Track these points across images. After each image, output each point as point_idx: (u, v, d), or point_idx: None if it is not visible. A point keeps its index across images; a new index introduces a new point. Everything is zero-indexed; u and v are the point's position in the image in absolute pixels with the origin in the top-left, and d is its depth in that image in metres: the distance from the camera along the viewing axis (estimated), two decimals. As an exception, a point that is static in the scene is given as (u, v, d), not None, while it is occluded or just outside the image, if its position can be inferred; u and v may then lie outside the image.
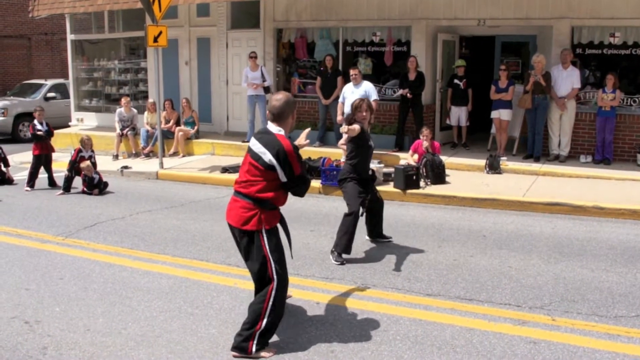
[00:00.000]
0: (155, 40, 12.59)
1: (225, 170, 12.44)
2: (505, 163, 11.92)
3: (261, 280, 4.81)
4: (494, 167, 11.63)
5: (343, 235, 7.01)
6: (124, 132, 15.01)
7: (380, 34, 14.31)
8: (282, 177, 4.78)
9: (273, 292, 4.72)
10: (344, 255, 7.05)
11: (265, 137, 4.82)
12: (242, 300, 5.87)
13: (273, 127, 4.87)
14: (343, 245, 7.00)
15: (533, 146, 12.41)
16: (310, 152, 12.50)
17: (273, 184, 4.80)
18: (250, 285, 6.20)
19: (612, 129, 11.93)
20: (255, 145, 4.81)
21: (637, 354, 4.71)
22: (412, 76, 13.02)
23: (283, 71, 15.80)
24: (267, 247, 4.77)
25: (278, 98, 4.91)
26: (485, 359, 4.65)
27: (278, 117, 4.89)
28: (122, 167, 13.39)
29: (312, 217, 9.20)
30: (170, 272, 6.78)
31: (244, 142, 14.36)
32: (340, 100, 12.21)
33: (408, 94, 12.94)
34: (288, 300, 5.50)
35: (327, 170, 11.01)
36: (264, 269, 4.76)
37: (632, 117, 12.22)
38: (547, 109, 12.28)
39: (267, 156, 4.71)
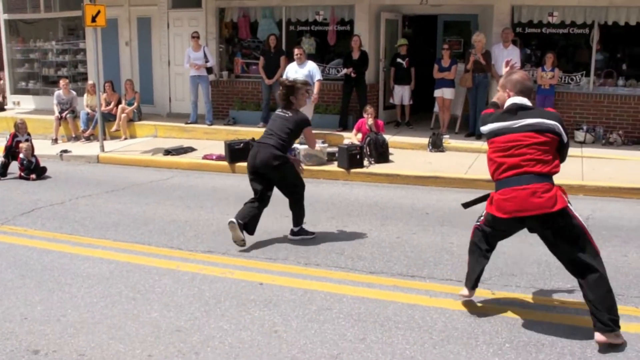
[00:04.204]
0: (94, 20, 12.26)
1: (168, 152, 12.24)
2: (448, 141, 12.07)
3: (586, 255, 4.51)
4: (436, 145, 11.77)
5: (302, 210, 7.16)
6: (63, 115, 14.61)
7: (324, 13, 14.25)
8: (565, 140, 4.63)
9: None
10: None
11: (534, 111, 4.66)
12: (184, 282, 5.81)
13: (523, 100, 4.68)
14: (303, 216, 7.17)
15: (475, 124, 12.58)
16: (254, 132, 12.41)
17: (556, 155, 4.64)
18: (192, 268, 6.21)
19: (551, 107, 12.14)
20: (531, 120, 4.57)
21: (572, 323, 4.86)
22: (355, 55, 13.03)
23: (226, 51, 15.62)
24: (578, 217, 4.62)
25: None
26: (427, 334, 4.72)
27: (526, 92, 4.72)
28: (61, 151, 13.05)
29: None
30: (111, 256, 6.65)
31: (187, 123, 14.18)
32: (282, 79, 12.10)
33: (352, 73, 12.95)
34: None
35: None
36: (587, 241, 4.54)
37: (570, 94, 12.52)
38: (487, 87, 12.47)
39: (555, 125, 4.55)
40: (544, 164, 4.52)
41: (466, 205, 5.24)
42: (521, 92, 4.71)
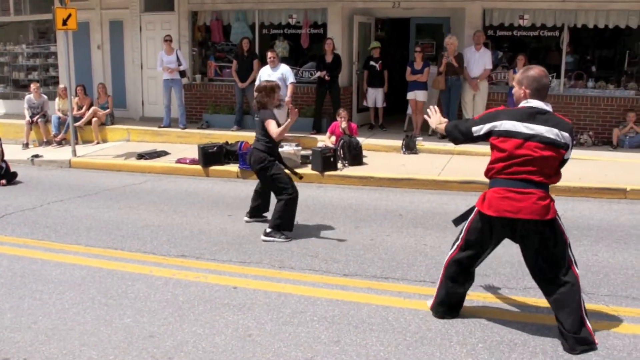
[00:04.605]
0: (65, 23, 12.11)
1: (141, 156, 12.14)
2: (422, 143, 12.13)
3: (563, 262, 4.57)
4: (410, 148, 11.83)
5: (289, 215, 7.24)
6: (34, 119, 14.43)
7: (297, 16, 14.27)
8: (568, 155, 4.56)
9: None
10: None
11: (551, 118, 4.49)
12: (157, 287, 5.77)
13: (541, 104, 4.51)
14: (290, 224, 7.28)
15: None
16: (228, 136, 12.39)
17: (558, 168, 4.60)
18: (165, 272, 6.16)
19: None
20: (547, 131, 4.42)
21: (544, 322, 4.91)
22: (328, 58, 13.05)
23: (199, 54, 15.56)
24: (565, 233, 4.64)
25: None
26: (401, 336, 4.74)
27: (543, 90, 4.55)
28: (32, 156, 12.90)
29: (230, 202, 9.12)
30: (83, 262, 6.58)
31: (160, 127, 14.08)
32: (257, 83, 12.09)
33: (325, 76, 12.97)
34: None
35: (245, 154, 10.90)
36: (566, 250, 4.58)
37: (540, 96, 12.64)
38: (460, 90, 12.57)
39: (569, 140, 4.47)
40: (545, 176, 4.50)
41: (457, 221, 5.03)
42: (537, 91, 4.53)
